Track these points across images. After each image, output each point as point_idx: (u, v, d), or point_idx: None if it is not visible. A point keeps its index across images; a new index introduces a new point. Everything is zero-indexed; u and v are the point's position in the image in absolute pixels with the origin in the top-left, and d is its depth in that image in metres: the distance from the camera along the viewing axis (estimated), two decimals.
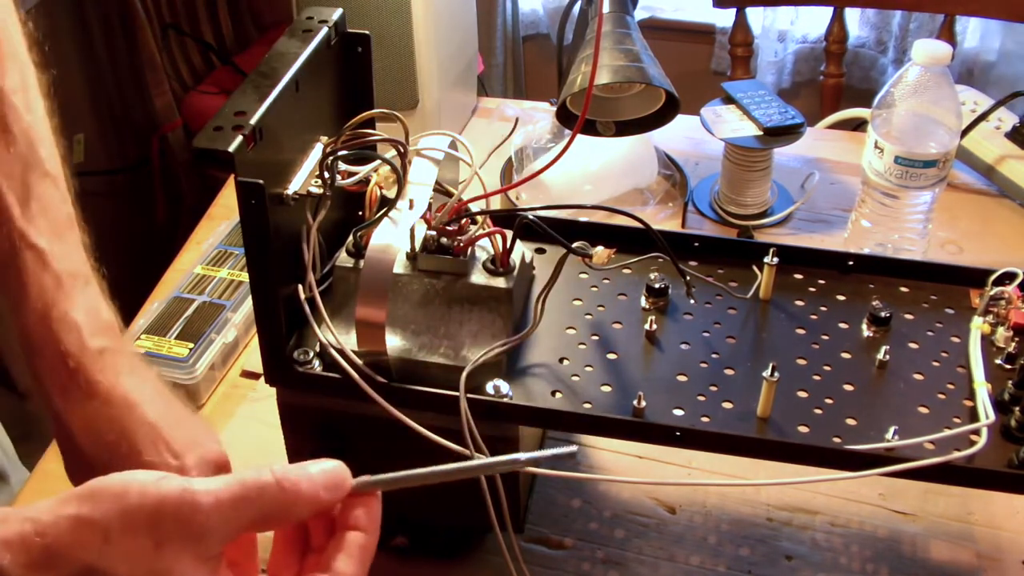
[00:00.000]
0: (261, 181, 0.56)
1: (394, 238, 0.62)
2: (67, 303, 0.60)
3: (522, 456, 0.49)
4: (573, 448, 0.49)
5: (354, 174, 0.64)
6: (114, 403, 0.59)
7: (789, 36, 2.05)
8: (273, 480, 0.44)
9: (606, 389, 0.65)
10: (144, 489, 0.42)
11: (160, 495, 0.42)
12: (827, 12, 1.72)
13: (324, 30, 0.66)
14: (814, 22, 2.05)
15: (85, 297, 0.61)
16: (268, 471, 0.44)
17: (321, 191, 0.63)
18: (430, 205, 0.65)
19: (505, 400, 0.63)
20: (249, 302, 0.94)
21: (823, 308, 0.71)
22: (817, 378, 0.66)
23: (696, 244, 0.75)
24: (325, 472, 0.46)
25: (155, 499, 0.42)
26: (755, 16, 1.94)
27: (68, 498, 0.42)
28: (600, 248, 0.66)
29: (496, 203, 0.70)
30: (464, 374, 0.62)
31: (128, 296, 1.12)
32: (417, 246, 0.66)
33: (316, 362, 0.65)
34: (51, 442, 0.86)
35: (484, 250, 0.67)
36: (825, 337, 0.69)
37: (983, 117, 1.12)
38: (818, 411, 0.63)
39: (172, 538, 0.41)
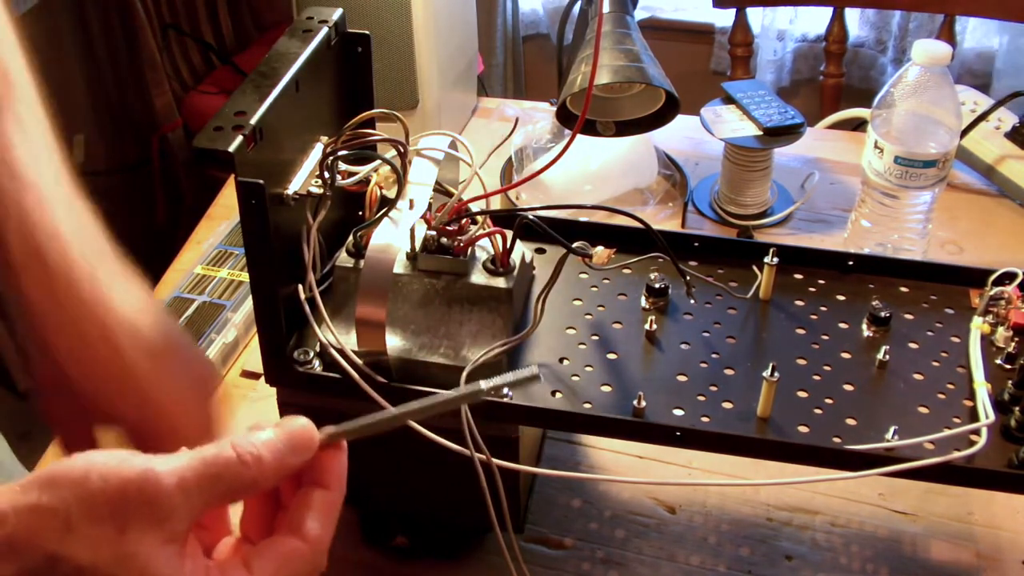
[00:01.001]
0: (261, 181, 0.56)
1: (394, 238, 0.62)
2: (51, 220, 0.56)
3: (483, 384, 0.48)
4: (534, 369, 0.48)
5: (354, 174, 0.64)
6: (104, 323, 0.55)
7: (788, 35, 2.05)
8: (235, 456, 0.43)
9: (606, 389, 0.65)
10: (106, 473, 0.41)
11: (122, 479, 0.41)
12: (826, 10, 1.72)
13: (324, 30, 0.66)
14: (813, 21, 2.05)
15: (69, 214, 0.57)
16: (229, 446, 0.43)
17: (321, 191, 0.63)
18: (430, 205, 0.65)
19: (505, 400, 0.63)
20: (249, 302, 0.94)
21: (823, 308, 0.71)
22: (817, 378, 0.66)
23: (696, 244, 0.75)
24: (290, 437, 0.45)
25: (117, 483, 0.41)
26: (754, 15, 1.94)
27: (28, 485, 0.41)
28: (600, 248, 0.66)
29: (496, 203, 0.70)
30: (464, 374, 0.62)
31: None
32: (417, 246, 0.66)
33: (316, 362, 0.65)
34: (51, 442, 0.86)
35: (484, 250, 0.67)
36: (825, 337, 0.69)
37: (983, 117, 1.12)
38: (818, 411, 0.63)
39: (136, 522, 0.41)
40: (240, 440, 0.44)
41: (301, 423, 0.46)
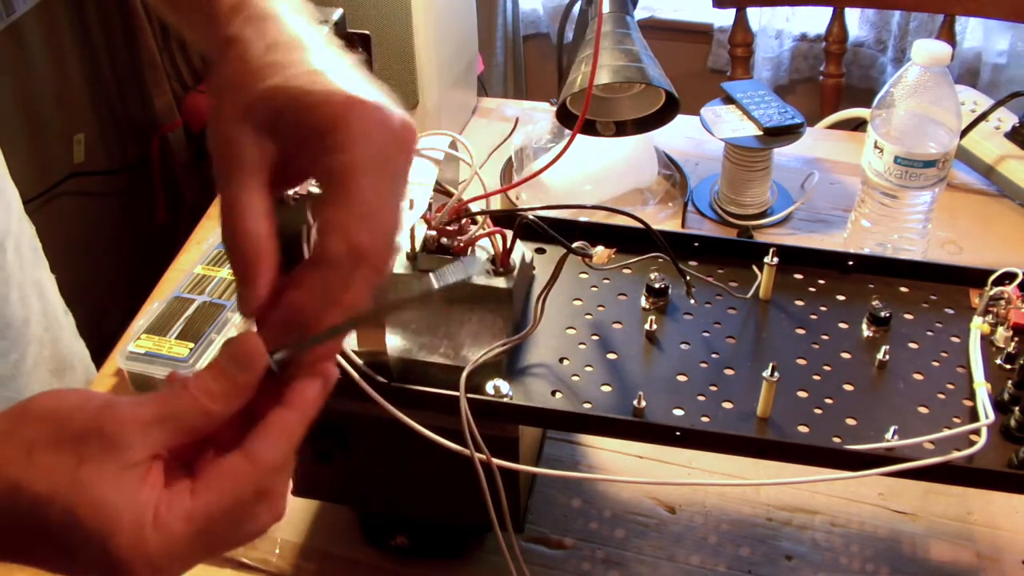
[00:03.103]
0: None
1: None
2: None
3: (435, 282, 0.47)
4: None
5: None
6: (299, 41, 0.48)
7: (785, 33, 2.05)
8: (189, 393, 0.43)
9: (606, 389, 0.65)
10: (71, 411, 0.42)
11: (86, 416, 0.42)
12: (823, 8, 1.72)
13: (324, 30, 0.65)
14: (811, 19, 2.05)
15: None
16: (184, 385, 0.44)
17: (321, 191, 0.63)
18: (430, 205, 0.65)
19: (505, 400, 0.63)
20: None
21: (823, 308, 0.71)
22: (817, 378, 0.66)
23: (696, 244, 0.75)
24: (231, 353, 0.44)
25: (81, 420, 0.42)
26: (752, 14, 1.94)
27: None
28: (600, 248, 0.66)
29: (496, 203, 0.70)
30: (464, 374, 0.62)
31: (128, 296, 1.12)
32: (417, 246, 0.66)
33: None
34: None
35: (484, 250, 0.67)
36: (825, 337, 0.69)
37: (983, 117, 1.12)
38: (818, 411, 0.63)
39: (93, 452, 0.42)
40: (196, 378, 0.44)
41: (241, 337, 0.45)
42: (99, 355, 0.97)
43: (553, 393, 0.64)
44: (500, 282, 0.65)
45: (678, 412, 0.63)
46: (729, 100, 1.10)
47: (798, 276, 0.74)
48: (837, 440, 0.61)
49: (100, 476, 0.41)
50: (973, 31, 1.92)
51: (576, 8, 1.10)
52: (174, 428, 0.43)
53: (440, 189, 0.66)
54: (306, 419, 0.46)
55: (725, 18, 2.03)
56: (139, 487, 0.42)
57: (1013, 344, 0.67)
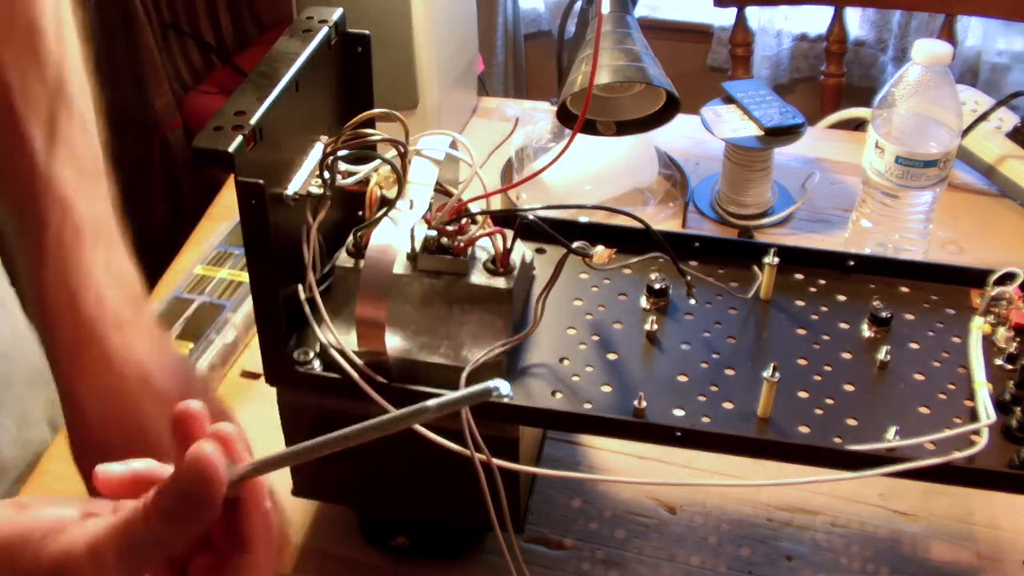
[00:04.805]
0: (261, 181, 0.56)
1: (394, 238, 0.62)
2: (88, 261, 0.55)
3: (431, 403, 0.42)
4: (490, 384, 0.42)
5: (354, 174, 0.64)
6: (128, 378, 0.54)
7: (785, 33, 2.05)
8: (143, 519, 0.41)
9: (606, 389, 0.65)
10: (38, 553, 0.41)
11: (46, 566, 0.40)
12: (824, 7, 1.72)
13: (324, 30, 0.65)
14: (811, 19, 2.05)
15: (108, 255, 0.56)
16: (141, 506, 0.41)
17: (321, 191, 0.63)
18: (431, 205, 0.65)
19: (505, 400, 0.63)
20: (249, 302, 0.94)
21: (823, 308, 0.71)
22: (817, 378, 0.66)
23: (696, 244, 0.75)
24: (180, 495, 0.41)
25: (47, 566, 0.40)
26: (751, 13, 1.94)
27: None
28: (600, 248, 0.66)
29: (496, 203, 0.70)
30: (464, 374, 0.61)
31: None
32: (417, 246, 0.66)
33: (316, 362, 0.65)
34: (51, 442, 0.86)
35: (484, 250, 0.67)
36: (825, 337, 0.69)
37: (984, 117, 1.12)
38: (818, 411, 0.63)
39: None
40: (152, 500, 0.41)
41: (203, 459, 0.41)
42: None
43: (553, 393, 0.64)
44: (500, 282, 0.65)
45: (678, 412, 0.63)
46: (729, 100, 1.10)
47: (799, 276, 0.73)
48: (838, 440, 0.61)
49: None
50: (974, 30, 1.92)
51: (577, 5, 1.10)
52: (139, 557, 0.41)
53: (440, 189, 0.66)
54: (271, 551, 0.44)
55: (725, 17, 2.03)
56: None
57: (1014, 344, 0.67)
